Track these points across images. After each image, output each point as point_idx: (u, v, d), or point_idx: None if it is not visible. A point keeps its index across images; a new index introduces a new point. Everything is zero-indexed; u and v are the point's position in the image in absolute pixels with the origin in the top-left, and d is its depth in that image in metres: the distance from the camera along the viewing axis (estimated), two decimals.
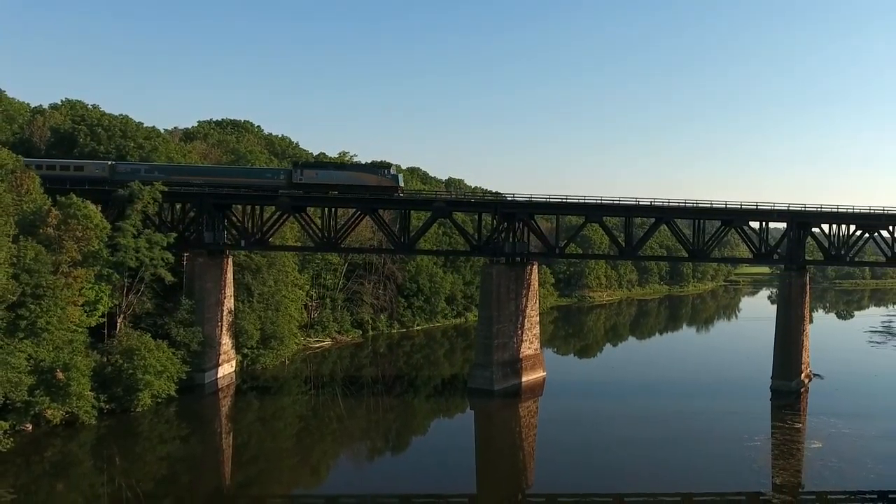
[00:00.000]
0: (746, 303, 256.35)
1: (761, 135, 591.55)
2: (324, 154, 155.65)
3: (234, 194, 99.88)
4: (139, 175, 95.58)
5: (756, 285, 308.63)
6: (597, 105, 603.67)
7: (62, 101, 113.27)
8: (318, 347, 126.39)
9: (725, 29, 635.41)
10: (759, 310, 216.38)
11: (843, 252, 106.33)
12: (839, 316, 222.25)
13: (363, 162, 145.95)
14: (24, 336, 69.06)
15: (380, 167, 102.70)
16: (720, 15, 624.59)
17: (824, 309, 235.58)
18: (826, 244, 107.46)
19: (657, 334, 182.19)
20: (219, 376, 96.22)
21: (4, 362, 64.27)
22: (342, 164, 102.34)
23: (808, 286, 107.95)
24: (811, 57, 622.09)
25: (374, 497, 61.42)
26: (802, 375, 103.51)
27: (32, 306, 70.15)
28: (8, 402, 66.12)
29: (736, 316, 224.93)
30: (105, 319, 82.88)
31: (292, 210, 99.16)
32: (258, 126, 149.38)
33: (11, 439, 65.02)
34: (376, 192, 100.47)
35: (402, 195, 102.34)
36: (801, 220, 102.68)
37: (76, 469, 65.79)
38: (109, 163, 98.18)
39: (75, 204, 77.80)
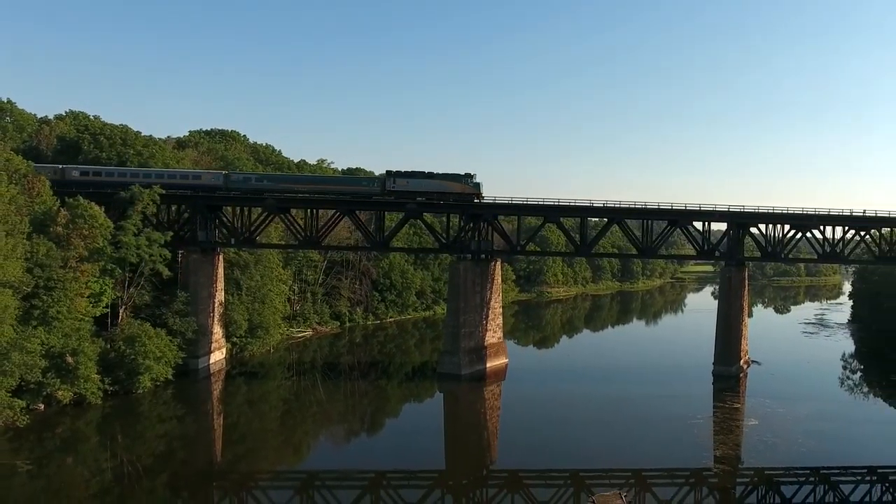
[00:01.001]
0: (691, 298, 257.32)
1: (704, 142, 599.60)
2: (304, 161, 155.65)
3: (224, 197, 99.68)
4: (250, 184, 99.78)
5: (701, 282, 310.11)
6: (552, 118, 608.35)
7: (66, 113, 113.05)
8: (300, 337, 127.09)
9: (674, 45, 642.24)
10: (702, 304, 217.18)
11: (778, 250, 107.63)
12: (776, 310, 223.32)
13: (338, 167, 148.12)
14: (37, 324, 70.37)
15: (464, 176, 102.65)
16: (665, 33, 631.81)
17: (763, 304, 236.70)
18: (763, 243, 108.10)
19: (610, 327, 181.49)
20: (211, 362, 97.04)
21: (21, 347, 65.55)
22: (430, 174, 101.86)
23: (746, 281, 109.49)
24: (749, 74, 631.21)
25: (351, 473, 61.51)
26: (741, 361, 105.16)
27: (45, 297, 71.68)
28: (23, 383, 67.80)
29: (682, 310, 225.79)
30: (108, 310, 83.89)
31: (278, 211, 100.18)
32: (244, 135, 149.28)
33: (27, 417, 66.43)
34: (460, 198, 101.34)
35: (480, 201, 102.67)
36: (739, 221, 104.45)
37: (84, 445, 66.84)
38: (224, 172, 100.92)
39: (82, 205, 78.88)
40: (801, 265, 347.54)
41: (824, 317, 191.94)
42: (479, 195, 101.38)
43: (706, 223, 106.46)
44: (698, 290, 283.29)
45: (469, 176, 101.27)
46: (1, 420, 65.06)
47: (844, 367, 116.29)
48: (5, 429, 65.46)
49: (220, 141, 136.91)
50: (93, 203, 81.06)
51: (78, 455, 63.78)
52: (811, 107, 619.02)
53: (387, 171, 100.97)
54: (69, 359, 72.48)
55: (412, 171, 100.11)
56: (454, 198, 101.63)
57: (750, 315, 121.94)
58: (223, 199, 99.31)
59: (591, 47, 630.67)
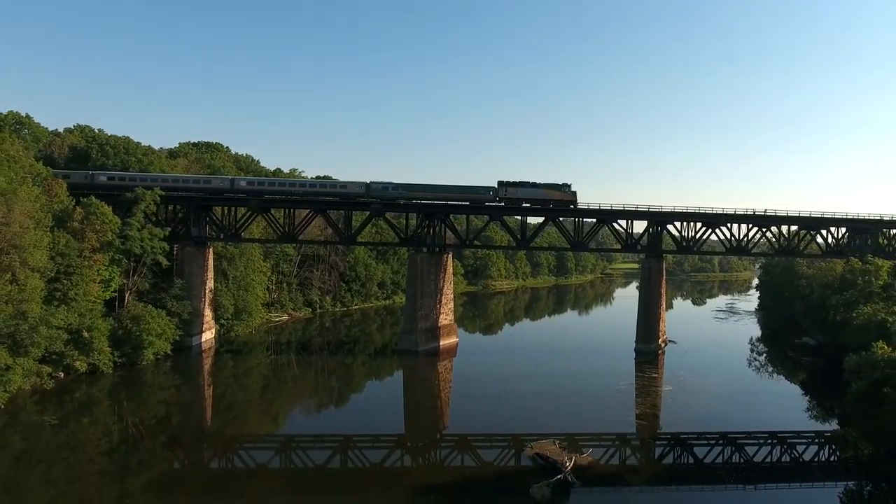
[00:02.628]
0: (618, 291, 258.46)
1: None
2: (279, 169, 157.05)
3: (212, 198, 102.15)
4: (388, 192, 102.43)
5: (627, 277, 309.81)
6: (501, 133, 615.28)
7: (74, 126, 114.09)
8: (278, 321, 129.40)
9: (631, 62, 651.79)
10: (627, 295, 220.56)
11: (691, 244, 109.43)
12: (694, 302, 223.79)
13: (317, 173, 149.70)
14: (58, 304, 74.13)
15: (562, 186, 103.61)
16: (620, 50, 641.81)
17: (682, 296, 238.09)
18: (678, 238, 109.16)
19: (547, 315, 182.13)
20: (202, 340, 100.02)
21: (47, 323, 69.69)
22: (535, 183, 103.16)
23: (663, 271, 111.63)
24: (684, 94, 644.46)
25: (323, 436, 62.16)
26: (660, 340, 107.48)
27: (65, 281, 75.79)
28: (47, 354, 71.85)
29: (610, 300, 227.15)
30: (116, 294, 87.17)
31: (261, 210, 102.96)
32: (227, 147, 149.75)
33: (52, 382, 71.07)
34: (559, 204, 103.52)
35: (575, 206, 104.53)
36: (658, 219, 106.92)
37: (97, 407, 69.94)
38: (367, 181, 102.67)
39: (94, 204, 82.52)
40: (716, 262, 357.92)
41: (734, 306, 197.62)
42: (574, 202, 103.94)
43: (629, 221, 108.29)
44: (625, 284, 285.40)
45: (567, 185, 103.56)
46: (29, 384, 69.42)
47: (749, 347, 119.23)
48: (33, 392, 69.71)
49: (206, 151, 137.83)
50: (103, 203, 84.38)
51: (92, 416, 66.81)
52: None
53: (498, 182, 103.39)
54: (85, 334, 76.66)
55: (521, 182, 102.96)
56: (555, 203, 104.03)
57: (670, 306, 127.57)
58: (363, 204, 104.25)
59: (523, 73, 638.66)
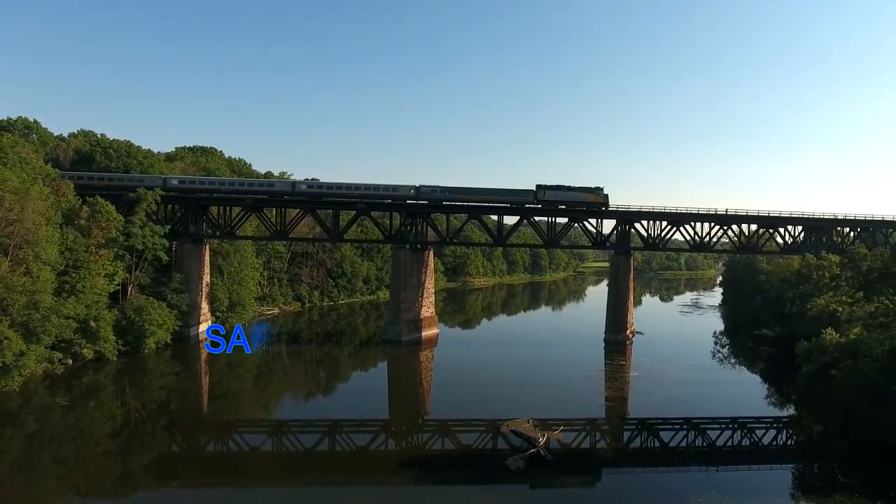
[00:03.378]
0: (590, 288, 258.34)
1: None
2: (270, 172, 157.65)
3: (211, 198, 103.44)
4: (436, 194, 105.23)
5: (598, 275, 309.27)
6: (476, 141, 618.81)
7: (78, 131, 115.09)
8: (269, 314, 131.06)
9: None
10: (599, 292, 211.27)
11: (657, 241, 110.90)
12: (661, 298, 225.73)
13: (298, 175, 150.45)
14: (67, 295, 76.10)
15: (595, 189, 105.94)
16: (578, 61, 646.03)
17: (650, 293, 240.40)
18: (645, 235, 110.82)
19: (522, 311, 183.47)
20: (200, 331, 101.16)
21: (59, 312, 71.67)
22: (570, 187, 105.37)
23: (631, 266, 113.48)
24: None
25: (312, 421, 62.81)
26: (628, 331, 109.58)
27: (73, 274, 77.70)
28: (56, 342, 73.71)
29: (582, 296, 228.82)
30: (119, 287, 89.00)
31: (254, 210, 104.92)
32: (220, 151, 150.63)
33: (63, 367, 73.65)
34: (592, 206, 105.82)
35: (607, 208, 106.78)
36: (626, 218, 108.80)
37: (103, 392, 71.58)
38: (417, 185, 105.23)
39: (99, 203, 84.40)
40: (682, 261, 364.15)
41: (699, 301, 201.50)
42: (606, 204, 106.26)
43: (599, 220, 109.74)
44: (596, 281, 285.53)
45: (600, 189, 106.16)
46: (41, 369, 71.67)
47: (712, 339, 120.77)
48: (44, 377, 71.83)
49: (201, 155, 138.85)
50: (108, 202, 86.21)
51: (99, 400, 68.38)
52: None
53: (537, 185, 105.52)
54: (92, 323, 78.64)
55: (557, 185, 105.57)
56: (587, 205, 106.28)
57: (639, 302, 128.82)
58: (412, 206, 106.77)
59: (503, 81, 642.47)
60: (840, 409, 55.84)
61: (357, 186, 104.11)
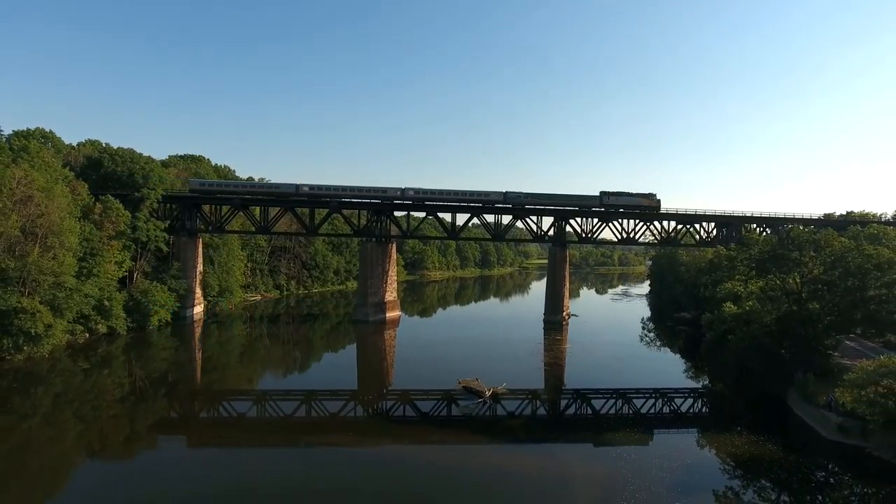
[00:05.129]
0: (534, 283, 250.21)
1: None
2: (251, 177, 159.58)
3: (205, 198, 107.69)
4: (521, 199, 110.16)
5: (541, 270, 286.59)
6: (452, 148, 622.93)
7: (86, 140, 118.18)
8: (252, 300, 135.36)
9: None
10: (541, 286, 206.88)
11: (589, 235, 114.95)
12: (597, 291, 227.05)
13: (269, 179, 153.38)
14: (86, 278, 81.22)
15: (649, 195, 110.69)
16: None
17: (587, 286, 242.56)
18: (579, 230, 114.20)
19: (473, 301, 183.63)
20: (194, 313, 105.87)
21: (80, 291, 77.51)
22: (630, 193, 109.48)
23: (567, 257, 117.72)
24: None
25: (291, 391, 63.42)
26: (564, 313, 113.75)
27: (90, 260, 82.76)
28: (77, 317, 79.03)
29: (527, 289, 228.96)
30: (127, 274, 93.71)
31: (241, 207, 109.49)
32: (208, 158, 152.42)
33: (83, 337, 79.02)
34: (647, 209, 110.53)
35: (658, 211, 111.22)
36: (562, 215, 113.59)
37: (115, 361, 75.28)
38: (504, 191, 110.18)
39: (110, 201, 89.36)
40: (616, 258, 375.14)
41: (629, 291, 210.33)
42: (658, 207, 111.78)
43: (539, 216, 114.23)
44: (539, 277, 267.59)
45: (653, 194, 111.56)
46: (65, 340, 76.90)
47: (638, 321, 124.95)
48: (67, 346, 76.63)
49: (191, 162, 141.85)
50: (117, 200, 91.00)
51: (111, 367, 72.16)
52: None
53: (601, 192, 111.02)
54: (106, 302, 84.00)
55: (619, 192, 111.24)
56: (642, 209, 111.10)
57: (577, 295, 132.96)
58: (501, 209, 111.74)
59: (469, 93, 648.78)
60: (735, 367, 60.79)
61: (456, 191, 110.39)
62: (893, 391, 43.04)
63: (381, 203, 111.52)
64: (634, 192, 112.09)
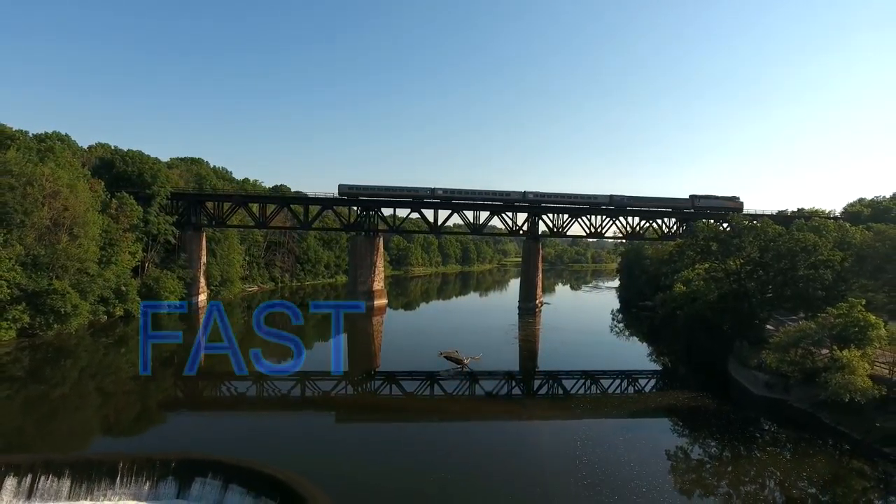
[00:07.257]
0: (511, 279, 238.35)
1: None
2: (247, 179, 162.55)
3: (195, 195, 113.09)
4: (623, 201, 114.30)
5: (518, 268, 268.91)
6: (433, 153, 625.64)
7: (97, 143, 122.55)
8: (250, 291, 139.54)
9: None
10: (518, 281, 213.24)
11: (560, 229, 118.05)
12: (571, 287, 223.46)
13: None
14: (106, 265, 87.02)
15: (733, 198, 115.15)
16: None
17: (561, 282, 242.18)
18: (551, 225, 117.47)
19: (455, 296, 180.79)
20: (199, 300, 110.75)
21: (102, 276, 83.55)
22: (717, 196, 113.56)
23: (540, 250, 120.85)
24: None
25: (287, 373, 62.64)
26: (537, 301, 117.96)
27: (109, 249, 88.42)
28: (98, 299, 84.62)
29: (505, 284, 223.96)
30: (139, 264, 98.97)
31: (242, 204, 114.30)
32: (207, 161, 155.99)
33: (105, 317, 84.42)
34: (731, 210, 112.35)
35: (741, 212, 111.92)
36: (535, 211, 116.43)
37: (130, 340, 78.11)
38: (609, 195, 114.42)
39: (125, 197, 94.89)
40: (589, 256, 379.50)
41: (601, 285, 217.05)
42: (741, 208, 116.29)
43: (514, 212, 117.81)
44: (517, 274, 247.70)
45: (736, 197, 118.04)
46: (87, 320, 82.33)
47: (607, 310, 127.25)
48: (88, 326, 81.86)
49: (192, 164, 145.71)
50: (131, 196, 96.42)
51: (127, 346, 75.17)
52: None
53: (690, 195, 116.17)
54: (123, 288, 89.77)
55: (707, 195, 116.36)
56: (728, 211, 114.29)
57: (552, 289, 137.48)
58: (605, 211, 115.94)
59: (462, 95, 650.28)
60: (684, 339, 66.03)
61: (488, 192, 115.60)
62: (810, 352, 50.08)
63: (412, 201, 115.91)
64: (720, 195, 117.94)
